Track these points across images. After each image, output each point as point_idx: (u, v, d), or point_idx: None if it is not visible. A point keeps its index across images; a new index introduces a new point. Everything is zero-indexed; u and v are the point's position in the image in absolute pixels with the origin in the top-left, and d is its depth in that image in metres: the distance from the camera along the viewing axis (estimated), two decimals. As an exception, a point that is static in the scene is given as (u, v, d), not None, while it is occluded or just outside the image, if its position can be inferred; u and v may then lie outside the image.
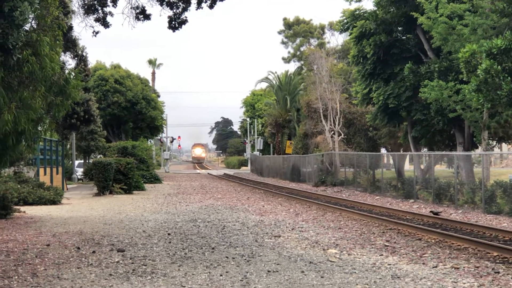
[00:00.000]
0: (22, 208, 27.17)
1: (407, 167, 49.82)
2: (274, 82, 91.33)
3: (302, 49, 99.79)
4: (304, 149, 66.01)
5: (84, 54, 37.89)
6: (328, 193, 40.80)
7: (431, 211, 26.45)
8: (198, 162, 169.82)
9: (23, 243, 17.44)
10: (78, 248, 16.42)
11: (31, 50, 12.41)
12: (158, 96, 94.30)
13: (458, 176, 30.24)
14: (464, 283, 12.25)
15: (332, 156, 50.23)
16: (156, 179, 56.35)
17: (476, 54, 25.56)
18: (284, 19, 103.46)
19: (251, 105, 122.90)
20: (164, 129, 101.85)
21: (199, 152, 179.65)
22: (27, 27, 12.59)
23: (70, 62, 35.34)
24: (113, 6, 24.46)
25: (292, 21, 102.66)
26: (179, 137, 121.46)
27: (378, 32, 38.76)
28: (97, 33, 25.14)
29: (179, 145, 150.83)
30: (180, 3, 23.84)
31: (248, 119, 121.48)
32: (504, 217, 24.14)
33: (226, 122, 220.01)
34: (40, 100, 13.07)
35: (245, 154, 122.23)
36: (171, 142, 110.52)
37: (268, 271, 13.33)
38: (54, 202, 31.27)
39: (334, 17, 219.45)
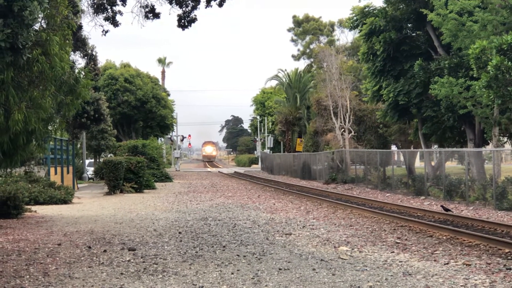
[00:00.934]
0: (33, 208, 27.27)
1: (418, 164, 49.62)
2: (284, 80, 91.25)
3: (311, 46, 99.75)
4: (314, 147, 66.00)
5: (93, 53, 37.90)
6: (339, 190, 40.73)
7: (441, 206, 26.38)
8: (209, 160, 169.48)
9: (35, 242, 17.50)
10: (89, 247, 16.46)
11: (40, 50, 12.41)
12: (168, 94, 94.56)
13: (469, 173, 30.14)
14: (476, 280, 12.21)
15: (343, 153, 50.16)
16: (166, 178, 56.39)
17: (486, 50, 25.51)
18: (294, 16, 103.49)
19: (261, 103, 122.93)
20: (174, 127, 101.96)
21: (209, 150, 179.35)
22: (36, 26, 12.60)
23: (79, 61, 35.44)
24: (122, 5, 24.51)
25: (302, 19, 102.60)
26: (189, 135, 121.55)
27: (387, 29, 38.74)
28: (106, 32, 25.21)
29: (190, 144, 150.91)
30: (190, 1, 23.84)
31: (258, 117, 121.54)
32: (515, 213, 24.08)
33: (236, 120, 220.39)
34: (50, 100, 13.08)
35: (255, 152, 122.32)
36: (182, 140, 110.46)
37: (279, 269, 13.32)
38: (65, 201, 31.37)
39: (343, 15, 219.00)
